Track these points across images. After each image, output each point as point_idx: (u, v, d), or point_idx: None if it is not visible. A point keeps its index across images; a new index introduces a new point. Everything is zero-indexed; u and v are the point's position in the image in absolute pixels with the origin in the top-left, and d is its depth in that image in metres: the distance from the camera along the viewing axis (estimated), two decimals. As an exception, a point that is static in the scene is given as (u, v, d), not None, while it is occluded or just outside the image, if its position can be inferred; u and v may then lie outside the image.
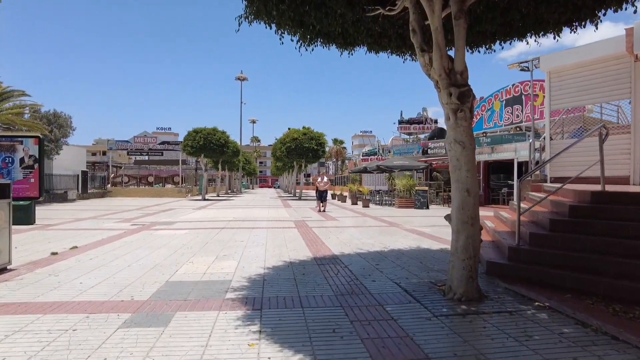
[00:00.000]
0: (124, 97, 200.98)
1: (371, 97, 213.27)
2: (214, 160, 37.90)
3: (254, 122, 78.99)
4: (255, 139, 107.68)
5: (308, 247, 8.03)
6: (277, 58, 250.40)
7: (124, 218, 14.39)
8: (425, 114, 57.22)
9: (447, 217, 4.87)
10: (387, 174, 32.75)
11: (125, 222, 12.90)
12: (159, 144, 36.49)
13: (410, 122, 56.13)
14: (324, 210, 16.92)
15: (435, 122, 56.64)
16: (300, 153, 28.05)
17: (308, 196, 33.84)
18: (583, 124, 11.24)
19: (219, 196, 35.59)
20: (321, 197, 17.61)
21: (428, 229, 11.13)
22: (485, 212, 18.92)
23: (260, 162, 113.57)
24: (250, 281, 5.28)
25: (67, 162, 28.53)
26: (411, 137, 54.92)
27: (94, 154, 79.59)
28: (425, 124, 55.57)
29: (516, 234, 5.81)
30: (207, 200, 28.62)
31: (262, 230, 10.87)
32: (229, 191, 47.75)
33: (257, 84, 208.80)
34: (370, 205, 22.48)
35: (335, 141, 78.36)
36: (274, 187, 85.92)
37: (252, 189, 79.31)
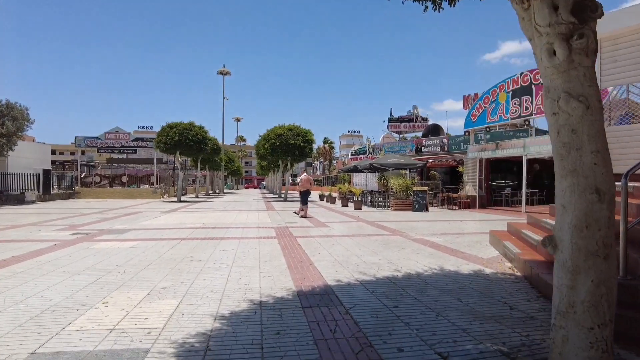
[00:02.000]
0: (106, 96, 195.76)
1: (359, 97, 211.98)
2: (193, 159, 35.40)
3: (238, 120, 76.54)
4: (241, 139, 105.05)
5: (290, 270, 5.75)
6: (264, 57, 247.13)
7: (71, 224, 11.91)
8: (415, 112, 55.40)
9: (548, 242, 2.61)
10: (378, 174, 30.70)
11: (67, 230, 10.46)
12: (133, 140, 33.67)
13: (401, 120, 54.26)
14: (303, 216, 14.55)
15: (426, 120, 54.95)
16: (286, 150, 25.73)
17: (295, 197, 31.53)
18: (628, 109, 9.23)
19: (197, 197, 33.02)
20: (301, 199, 15.29)
21: (439, 239, 8.96)
22: (498, 216, 16.90)
23: (246, 162, 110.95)
24: (183, 353, 2.98)
25: (26, 160, 25.75)
26: (400, 136, 53.10)
27: (72, 153, 76.14)
28: (415, 122, 53.80)
29: (620, 261, 3.63)
30: (183, 202, 26.09)
31: (233, 242, 8.54)
32: (211, 192, 45.16)
33: (243, 83, 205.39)
34: (363, 207, 20.29)
35: (325, 141, 76.32)
36: (260, 188, 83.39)
37: (237, 189, 76.60)
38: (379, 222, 12.86)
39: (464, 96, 43.06)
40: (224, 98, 46.07)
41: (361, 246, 7.89)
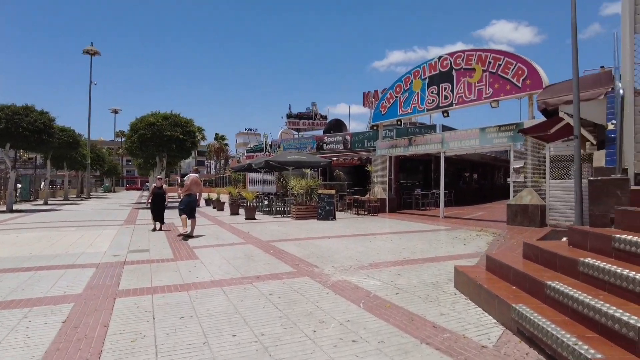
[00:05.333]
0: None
1: (257, 99, 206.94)
2: (45, 156, 27.89)
3: (116, 111, 67.34)
4: (121, 133, 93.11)
5: None
6: (156, 50, 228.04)
7: None
8: (315, 109, 52.85)
9: None
10: (277, 174, 27.00)
11: None
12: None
13: (299, 117, 51.20)
14: (184, 234, 9.96)
15: (325, 118, 52.78)
16: (160, 144, 20.47)
17: (172, 203, 26.21)
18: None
19: (46, 204, 25.78)
20: (183, 207, 10.17)
21: (374, 281, 5.43)
22: (417, 224, 14.22)
23: (128, 161, 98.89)
24: None
25: None
26: (299, 134, 50.17)
27: None
28: (315, 119, 51.26)
29: None
30: (16, 211, 19.36)
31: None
32: (71, 196, 37.07)
33: (130, 77, 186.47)
34: (257, 214, 16.32)
35: (217, 137, 70.15)
36: (144, 189, 74.00)
37: (114, 191, 66.63)
38: (276, 242, 9.03)
39: (364, 93, 41.59)
40: (90, 82, 38.49)
41: (238, 323, 3.93)
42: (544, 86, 11.90)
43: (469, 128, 14.30)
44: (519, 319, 3.42)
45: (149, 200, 11.60)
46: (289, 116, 50.93)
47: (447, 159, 15.72)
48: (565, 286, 3.37)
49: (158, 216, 11.32)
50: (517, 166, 12.60)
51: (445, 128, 20.97)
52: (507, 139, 12.87)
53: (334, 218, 14.82)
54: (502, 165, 34.04)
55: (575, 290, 3.27)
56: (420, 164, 24.90)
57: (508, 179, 13.62)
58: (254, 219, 14.90)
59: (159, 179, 11.90)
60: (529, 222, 11.57)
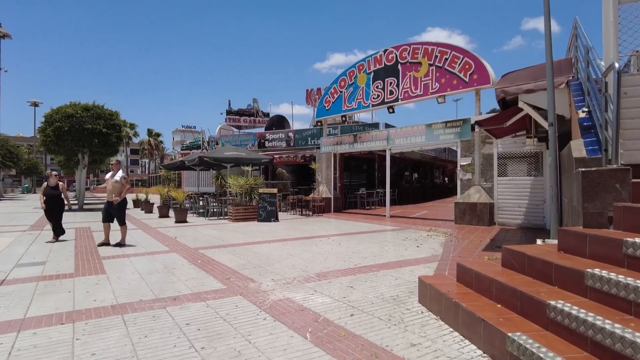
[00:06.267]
0: None
1: (197, 92, 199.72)
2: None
3: (36, 104, 60.81)
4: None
5: None
6: (87, 45, 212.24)
7: None
8: (256, 105, 51.11)
9: None
10: (215, 172, 25.32)
11: None
12: None
13: (240, 113, 49.23)
14: (102, 243, 8.40)
15: (267, 115, 51.28)
16: (80, 138, 18.15)
17: (96, 205, 23.71)
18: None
19: (-61, 207, 22.17)
20: (108, 214, 8.37)
21: (322, 298, 4.45)
22: (365, 224, 13.33)
23: (52, 159, 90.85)
24: None
25: None
26: (240, 131, 48.31)
27: None
28: (256, 116, 49.58)
29: None
30: None
31: None
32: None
33: (50, 65, 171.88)
34: (191, 217, 14.80)
35: (150, 133, 65.87)
36: (70, 189, 67.85)
37: (35, 192, 60.36)
38: (207, 249, 7.76)
39: (307, 90, 40.71)
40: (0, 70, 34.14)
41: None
42: (491, 81, 11.63)
43: (414, 124, 13.77)
44: (519, 354, 2.55)
45: (43, 205, 8.94)
46: (229, 112, 48.75)
47: (390, 157, 15.15)
48: (577, 309, 2.55)
49: (54, 224, 9.02)
50: (464, 163, 12.25)
51: (388, 126, 20.60)
52: (453, 135, 12.47)
53: (276, 219, 13.71)
54: (441, 165, 34.72)
55: (593, 314, 2.45)
56: (364, 162, 24.46)
57: (446, 178, 13.37)
58: (185, 221, 13.38)
59: (54, 175, 9.32)
60: (478, 221, 11.20)
